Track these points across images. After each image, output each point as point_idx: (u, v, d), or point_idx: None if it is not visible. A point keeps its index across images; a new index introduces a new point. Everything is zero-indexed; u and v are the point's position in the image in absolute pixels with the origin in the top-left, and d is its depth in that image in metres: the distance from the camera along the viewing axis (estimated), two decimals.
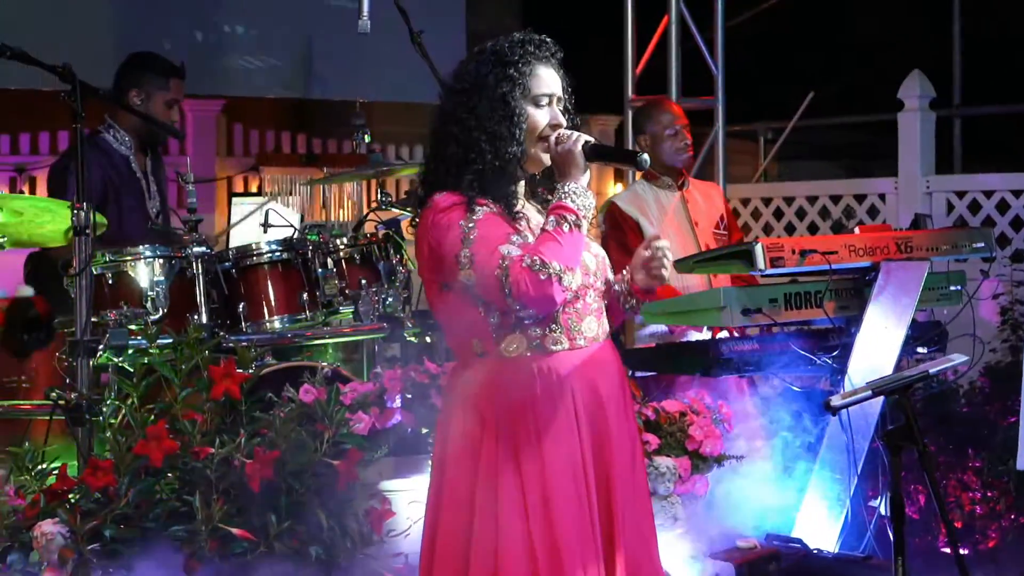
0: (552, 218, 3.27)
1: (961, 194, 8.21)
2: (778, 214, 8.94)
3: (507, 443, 3.27)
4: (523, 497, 3.24)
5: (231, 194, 7.37)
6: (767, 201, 8.94)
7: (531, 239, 3.28)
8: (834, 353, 5.38)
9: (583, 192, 3.31)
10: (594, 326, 3.40)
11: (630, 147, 7.34)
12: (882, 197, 8.50)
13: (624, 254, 5.99)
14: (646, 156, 3.38)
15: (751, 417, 5.32)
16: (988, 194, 8.10)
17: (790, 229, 8.87)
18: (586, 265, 3.38)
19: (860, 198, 8.61)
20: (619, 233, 5.97)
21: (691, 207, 6.09)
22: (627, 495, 3.36)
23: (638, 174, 6.72)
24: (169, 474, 4.09)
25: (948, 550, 6.10)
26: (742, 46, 8.77)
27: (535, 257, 3.19)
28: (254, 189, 8.75)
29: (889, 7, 10.77)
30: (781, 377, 5.42)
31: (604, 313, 3.45)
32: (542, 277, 3.17)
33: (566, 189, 3.30)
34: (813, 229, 8.78)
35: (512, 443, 3.27)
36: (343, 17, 7.51)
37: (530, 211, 3.44)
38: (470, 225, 3.25)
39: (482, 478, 3.27)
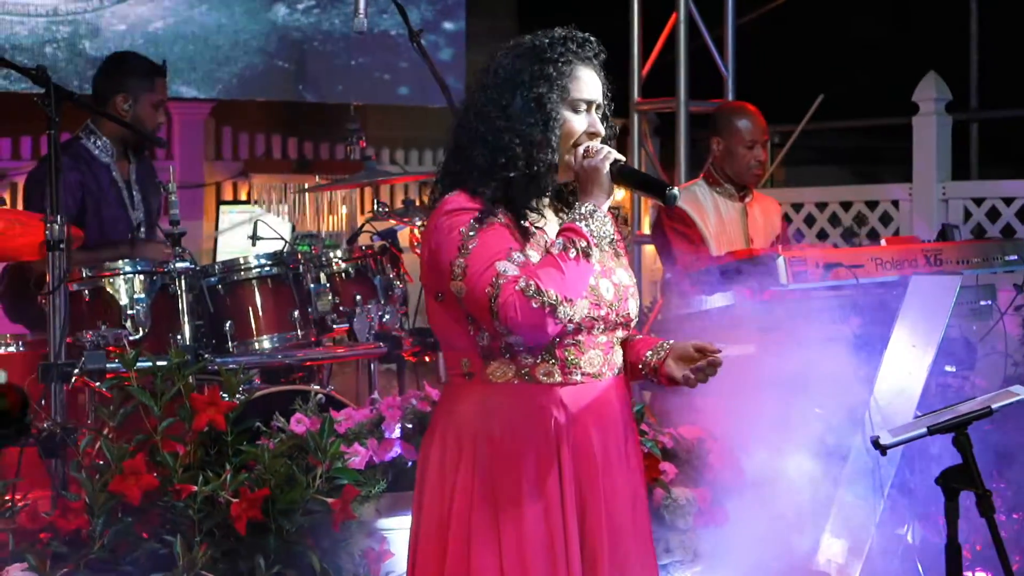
0: (560, 240, 2.98)
1: (979, 201, 7.96)
2: (786, 220, 8.65)
3: (484, 475, 3.02)
4: (498, 537, 2.99)
5: (219, 202, 7.07)
6: None
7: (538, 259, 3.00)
8: (861, 373, 5.09)
9: (601, 217, 3.00)
10: (598, 362, 3.08)
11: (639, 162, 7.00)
12: (895, 204, 8.26)
13: (686, 243, 5.72)
14: (676, 191, 3.05)
15: (778, 439, 5.02)
16: (1008, 201, 7.83)
17: (798, 237, 8.59)
18: (600, 295, 3.06)
19: (872, 204, 8.36)
20: (680, 224, 5.65)
21: (750, 222, 5.82)
22: (618, 545, 3.07)
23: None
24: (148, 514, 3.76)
25: None
26: (748, 46, 8.49)
27: (531, 281, 2.90)
28: (244, 196, 8.48)
29: (903, 5, 10.49)
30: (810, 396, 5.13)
31: (615, 348, 3.13)
32: (534, 305, 2.88)
33: (583, 211, 3.00)
34: (823, 236, 8.54)
35: (489, 476, 3.02)
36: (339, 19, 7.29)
37: (551, 226, 3.12)
38: (471, 233, 2.97)
39: (456, 509, 3.02)
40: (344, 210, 7.64)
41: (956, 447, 3.15)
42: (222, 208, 6.65)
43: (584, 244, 2.95)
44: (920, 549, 5.12)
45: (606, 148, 3.05)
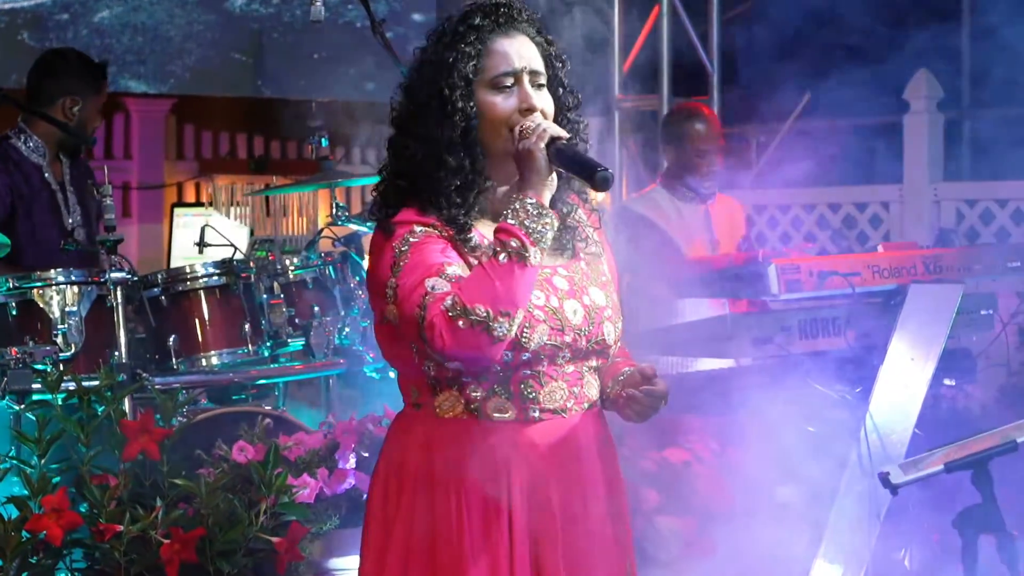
0: (491, 245, 2.59)
1: (972, 203, 7.69)
2: (772, 224, 8.40)
3: (423, 524, 2.65)
4: None
5: (173, 205, 6.71)
6: (760, 209, 8.41)
7: None
8: (857, 389, 4.79)
9: (537, 211, 2.56)
10: (561, 396, 2.67)
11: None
12: (885, 206, 8.02)
13: (650, 243, 5.38)
14: (608, 174, 2.56)
15: (769, 460, 4.73)
16: (1002, 203, 7.56)
17: (785, 240, 8.34)
18: (564, 319, 2.65)
19: (861, 206, 8.10)
20: (633, 233, 5.28)
21: (715, 223, 5.46)
22: None
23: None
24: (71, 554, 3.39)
25: None
26: (733, 42, 8.23)
27: (455, 298, 2.50)
28: (205, 198, 8.11)
29: (894, 1, 10.24)
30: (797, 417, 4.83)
31: (585, 378, 2.72)
32: (461, 325, 2.48)
33: (516, 205, 2.56)
34: (810, 240, 8.27)
35: (430, 525, 2.65)
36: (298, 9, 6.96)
37: None
38: (404, 248, 2.60)
39: (392, 559, 2.66)
40: (304, 215, 7.27)
41: (976, 486, 2.79)
42: (176, 211, 6.29)
43: (517, 244, 2.52)
44: (918, 574, 4.86)
45: (543, 125, 2.62)
